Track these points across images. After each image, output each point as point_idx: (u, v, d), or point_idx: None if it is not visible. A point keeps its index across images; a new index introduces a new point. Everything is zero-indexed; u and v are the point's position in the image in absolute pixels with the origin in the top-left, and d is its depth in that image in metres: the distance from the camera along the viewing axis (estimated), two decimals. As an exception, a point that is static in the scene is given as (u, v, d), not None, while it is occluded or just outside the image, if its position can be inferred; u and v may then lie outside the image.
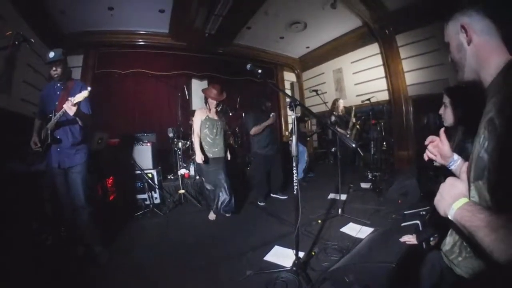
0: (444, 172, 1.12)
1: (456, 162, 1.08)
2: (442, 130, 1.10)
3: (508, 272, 0.58)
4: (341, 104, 5.33)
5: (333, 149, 6.01)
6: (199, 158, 3.50)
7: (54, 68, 2.47)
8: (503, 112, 0.65)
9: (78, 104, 2.20)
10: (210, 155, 3.57)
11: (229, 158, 3.81)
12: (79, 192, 2.49)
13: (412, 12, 4.91)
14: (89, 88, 2.27)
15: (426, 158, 1.17)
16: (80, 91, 2.42)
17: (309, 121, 7.47)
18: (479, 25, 0.76)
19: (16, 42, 2.10)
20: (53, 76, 2.50)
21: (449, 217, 0.76)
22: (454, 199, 0.76)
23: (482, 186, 0.72)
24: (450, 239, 0.89)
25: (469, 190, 0.80)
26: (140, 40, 5.77)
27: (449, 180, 0.85)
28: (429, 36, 4.92)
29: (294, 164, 2.06)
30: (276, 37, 6.55)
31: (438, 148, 1.11)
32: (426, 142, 1.16)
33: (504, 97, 0.67)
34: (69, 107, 2.16)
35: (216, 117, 3.61)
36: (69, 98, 2.18)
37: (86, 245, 2.59)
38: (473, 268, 0.77)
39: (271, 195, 4.52)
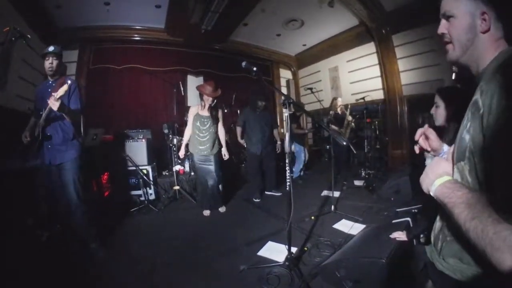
0: None
1: (446, 153, 1.07)
2: (426, 126, 1.11)
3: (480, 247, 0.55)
4: (339, 102, 5.42)
5: (327, 146, 6.07)
6: (180, 153, 3.76)
7: (50, 61, 2.46)
8: (487, 93, 0.64)
9: (60, 98, 2.17)
10: (197, 151, 3.59)
11: (225, 156, 3.79)
12: (70, 190, 2.47)
13: (409, 12, 4.94)
14: (69, 82, 2.26)
15: (417, 151, 1.18)
16: (70, 88, 2.41)
17: (303, 115, 7.49)
18: (494, 19, 0.73)
19: (13, 38, 2.07)
20: (48, 70, 2.49)
21: (431, 193, 0.77)
22: (438, 176, 0.77)
23: (464, 167, 0.73)
24: (436, 232, 0.90)
25: (453, 171, 0.80)
26: (136, 36, 5.72)
27: (436, 159, 0.87)
28: (425, 37, 4.95)
29: (287, 161, 2.09)
30: (273, 34, 6.55)
31: (428, 143, 1.11)
32: (416, 138, 1.15)
33: (489, 79, 0.66)
34: (53, 102, 2.14)
35: (207, 114, 3.58)
36: (53, 93, 2.15)
37: (81, 242, 2.59)
38: (454, 254, 0.77)
39: (266, 192, 4.56)
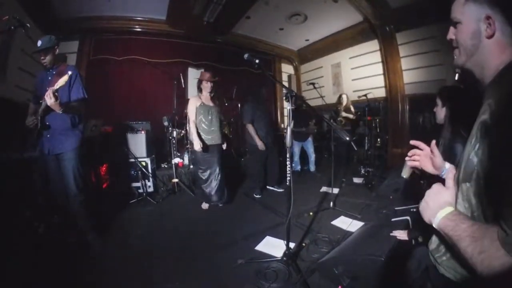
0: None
1: (448, 172, 1.04)
2: (433, 143, 1.06)
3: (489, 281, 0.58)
4: (345, 99, 5.46)
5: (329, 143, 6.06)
6: (197, 145, 3.37)
7: (42, 57, 2.42)
8: (497, 116, 0.63)
9: (60, 89, 2.14)
10: (204, 141, 3.52)
11: (225, 147, 3.79)
12: (70, 180, 2.45)
13: (414, 10, 4.88)
14: (69, 72, 2.20)
15: (407, 174, 1.16)
16: (71, 77, 2.37)
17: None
18: (501, 24, 0.71)
19: (12, 27, 2.03)
20: (43, 64, 2.47)
21: (434, 225, 0.77)
22: (439, 207, 0.76)
23: (469, 189, 0.72)
24: (436, 238, 0.89)
25: (457, 191, 0.79)
26: (137, 27, 5.65)
27: (435, 187, 0.85)
28: (429, 36, 4.90)
29: (287, 156, 2.07)
30: (276, 28, 6.47)
31: (431, 160, 1.09)
32: (412, 142, 1.13)
33: (499, 100, 0.64)
34: (49, 97, 2.09)
35: (211, 104, 3.57)
36: (51, 88, 2.10)
37: (79, 233, 2.58)
38: (454, 268, 0.77)
39: (268, 187, 4.51)
